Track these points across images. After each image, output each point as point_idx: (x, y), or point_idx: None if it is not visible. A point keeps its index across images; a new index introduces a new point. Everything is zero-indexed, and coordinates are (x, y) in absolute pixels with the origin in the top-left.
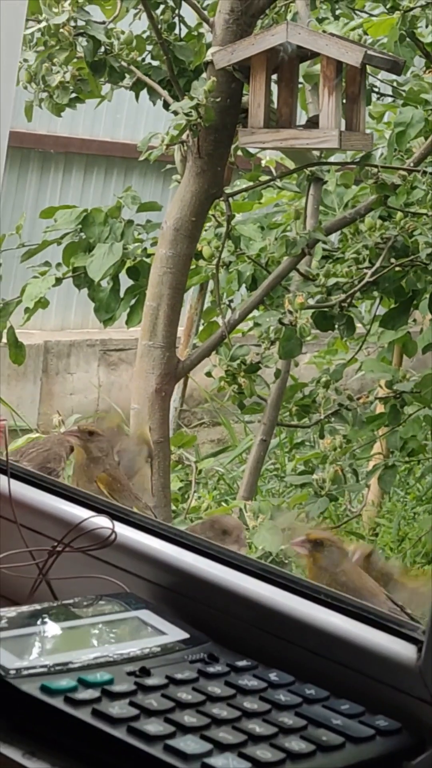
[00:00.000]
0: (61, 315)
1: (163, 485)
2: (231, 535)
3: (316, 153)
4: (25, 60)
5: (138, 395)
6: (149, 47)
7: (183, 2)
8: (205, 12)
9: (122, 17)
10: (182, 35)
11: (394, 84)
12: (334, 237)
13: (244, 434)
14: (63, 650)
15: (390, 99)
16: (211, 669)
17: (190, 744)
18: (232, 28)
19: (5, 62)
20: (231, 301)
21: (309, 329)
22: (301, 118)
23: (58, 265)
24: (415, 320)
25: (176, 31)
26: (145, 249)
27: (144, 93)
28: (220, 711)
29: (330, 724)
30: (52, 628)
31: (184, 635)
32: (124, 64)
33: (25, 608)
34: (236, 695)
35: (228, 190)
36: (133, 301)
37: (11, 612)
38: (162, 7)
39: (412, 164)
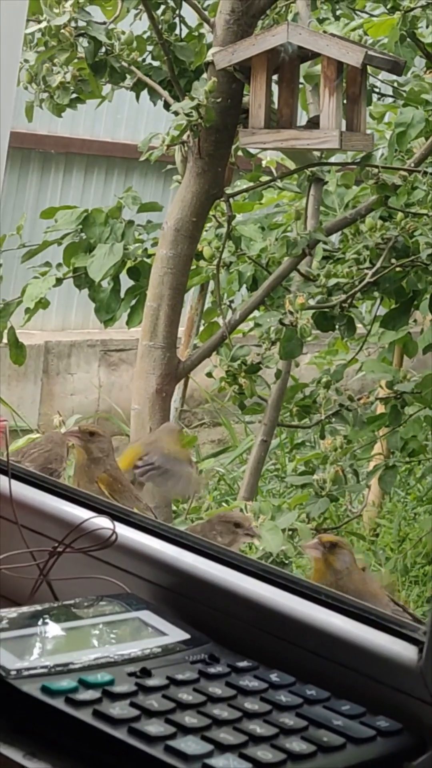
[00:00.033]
0: (61, 315)
1: None
2: (243, 527)
3: (317, 153)
4: (26, 60)
5: (138, 396)
6: (150, 48)
7: (184, 3)
8: (206, 12)
9: (123, 18)
10: (183, 36)
11: (395, 84)
12: (334, 237)
13: (244, 435)
14: (64, 651)
15: (390, 99)
16: (211, 670)
17: (190, 745)
18: (232, 28)
19: (6, 62)
20: (232, 301)
21: (310, 330)
22: (302, 118)
23: (59, 265)
24: (415, 321)
25: (177, 31)
26: (146, 249)
27: (145, 93)
28: (221, 712)
29: (331, 725)
30: (52, 629)
31: (185, 636)
32: (124, 64)
33: (25, 609)
34: (237, 696)
35: (229, 191)
36: (133, 302)
37: (12, 612)
38: (163, 7)
39: (412, 165)
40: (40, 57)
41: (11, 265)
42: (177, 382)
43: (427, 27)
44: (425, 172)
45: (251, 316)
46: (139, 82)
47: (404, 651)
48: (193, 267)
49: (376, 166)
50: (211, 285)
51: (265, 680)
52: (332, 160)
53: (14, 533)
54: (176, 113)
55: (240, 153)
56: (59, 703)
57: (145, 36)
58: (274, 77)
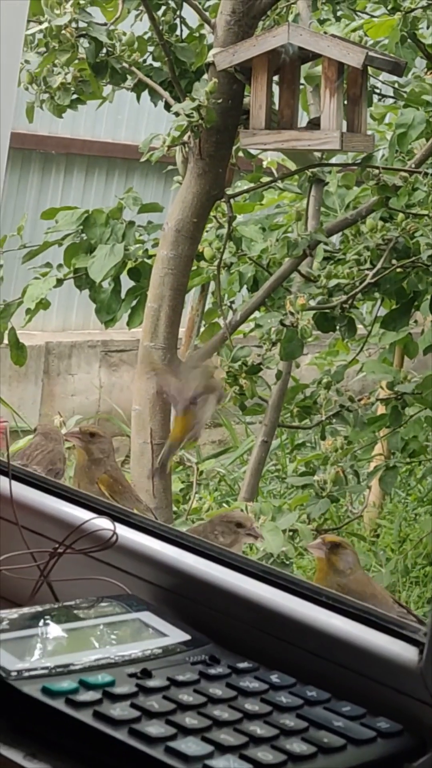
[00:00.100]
0: (62, 316)
1: (164, 486)
2: (245, 527)
3: (318, 154)
4: (27, 61)
5: (139, 396)
6: (150, 48)
7: (184, 3)
8: (207, 13)
9: (124, 18)
10: (184, 36)
11: (396, 85)
12: (335, 238)
13: (245, 435)
14: (64, 652)
15: (391, 100)
16: (212, 671)
17: (191, 746)
18: (233, 29)
19: (6, 63)
20: (232, 302)
21: (310, 330)
22: (303, 119)
23: (60, 266)
24: (416, 321)
25: (178, 32)
26: (147, 250)
27: (145, 94)
28: (222, 713)
29: (331, 726)
30: (53, 630)
31: (186, 637)
32: (125, 65)
33: (26, 610)
34: (237, 697)
35: (229, 192)
36: (134, 303)
37: (12, 614)
38: (163, 8)
39: (413, 166)
40: (44, 61)
41: (12, 265)
42: None
43: (427, 28)
44: (426, 173)
45: (252, 316)
46: (139, 83)
47: (405, 652)
48: (193, 268)
49: (377, 167)
50: (212, 286)
51: (265, 681)
52: (333, 161)
53: (15, 534)
54: (177, 114)
55: (241, 154)
56: (60, 704)
57: (145, 37)
58: (275, 78)
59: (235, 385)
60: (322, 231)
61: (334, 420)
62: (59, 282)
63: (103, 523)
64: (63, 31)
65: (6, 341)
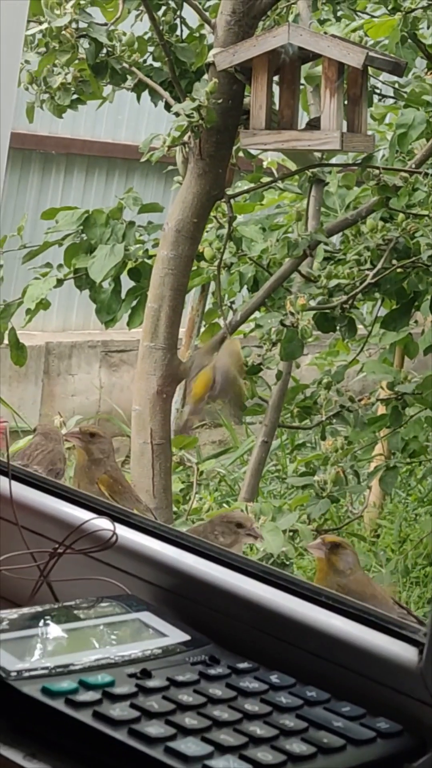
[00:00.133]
0: (62, 316)
1: (164, 487)
2: (245, 527)
3: (318, 154)
4: (27, 61)
5: (139, 397)
6: (151, 49)
7: (184, 3)
8: (207, 13)
9: (124, 19)
10: (184, 37)
11: (396, 86)
12: (335, 238)
13: (245, 436)
14: (64, 652)
15: (391, 101)
16: (212, 671)
17: (191, 746)
18: (233, 29)
19: (6, 63)
20: (232, 302)
21: (310, 331)
22: (303, 119)
23: (60, 266)
24: (416, 321)
25: (178, 32)
26: (147, 250)
27: (145, 94)
28: (221, 713)
29: (331, 726)
30: (53, 630)
31: (185, 637)
32: (125, 65)
33: (26, 610)
34: (237, 697)
35: (229, 192)
36: (134, 303)
37: (12, 614)
38: (164, 8)
39: (413, 166)
40: (44, 61)
41: (12, 266)
42: (178, 383)
43: (428, 28)
44: (426, 174)
45: (252, 317)
46: (140, 83)
47: (404, 652)
48: (194, 268)
49: (377, 168)
50: (212, 286)
51: (265, 681)
52: (333, 161)
53: (14, 534)
54: (177, 114)
55: (241, 154)
56: (59, 705)
57: (145, 37)
58: (275, 78)
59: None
60: (323, 231)
61: (334, 420)
62: (59, 282)
63: (103, 524)
64: (63, 32)
65: (6, 341)
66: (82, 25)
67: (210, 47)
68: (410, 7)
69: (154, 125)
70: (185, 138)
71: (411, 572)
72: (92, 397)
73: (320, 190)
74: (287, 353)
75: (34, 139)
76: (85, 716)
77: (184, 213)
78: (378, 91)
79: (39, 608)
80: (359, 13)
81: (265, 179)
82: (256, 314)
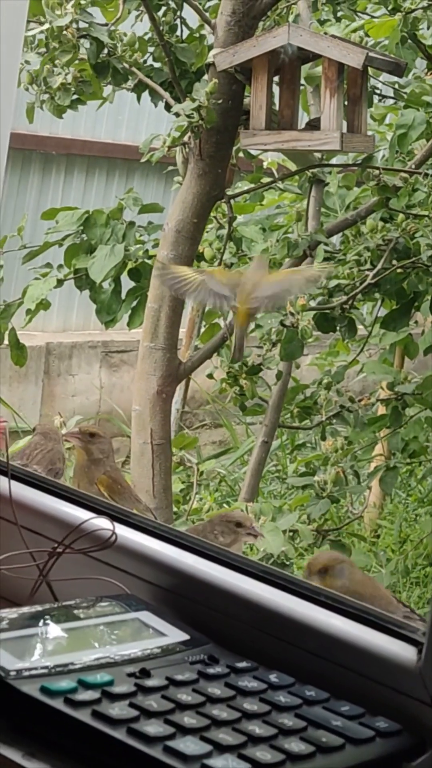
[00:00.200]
0: (62, 316)
1: (164, 487)
2: (245, 526)
3: (318, 155)
4: (27, 62)
5: (139, 397)
6: (151, 49)
7: (185, 4)
8: (207, 14)
9: (124, 19)
10: (184, 37)
11: (396, 86)
12: (335, 239)
13: (245, 436)
14: (63, 651)
15: (392, 101)
16: (211, 670)
17: (189, 745)
18: (233, 29)
19: (6, 63)
20: None
21: (310, 331)
22: (303, 119)
23: (60, 266)
24: (416, 322)
25: (178, 32)
26: (147, 251)
27: (146, 95)
28: (220, 712)
29: (330, 726)
30: (52, 630)
31: (185, 636)
32: (126, 66)
33: (25, 609)
34: (236, 696)
35: (229, 192)
36: (134, 303)
37: (12, 613)
38: (164, 9)
39: (413, 166)
40: (44, 60)
41: (12, 266)
42: (178, 384)
43: (428, 28)
44: (426, 174)
45: None
46: (140, 84)
47: (403, 652)
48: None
49: (377, 168)
50: None
51: (264, 681)
52: (333, 161)
53: (14, 534)
54: (177, 114)
55: (241, 154)
56: (58, 704)
57: (146, 37)
58: (275, 78)
59: (236, 385)
60: (323, 231)
61: (334, 420)
62: (59, 282)
63: (102, 523)
64: (64, 32)
65: (6, 342)
66: (82, 25)
67: (210, 48)
68: (410, 8)
69: (154, 126)
70: (185, 138)
71: (411, 572)
72: (92, 398)
73: (320, 191)
74: (287, 353)
75: (34, 140)
76: (84, 715)
77: (184, 213)
78: (378, 91)
79: (38, 608)
80: (359, 14)
81: (265, 179)
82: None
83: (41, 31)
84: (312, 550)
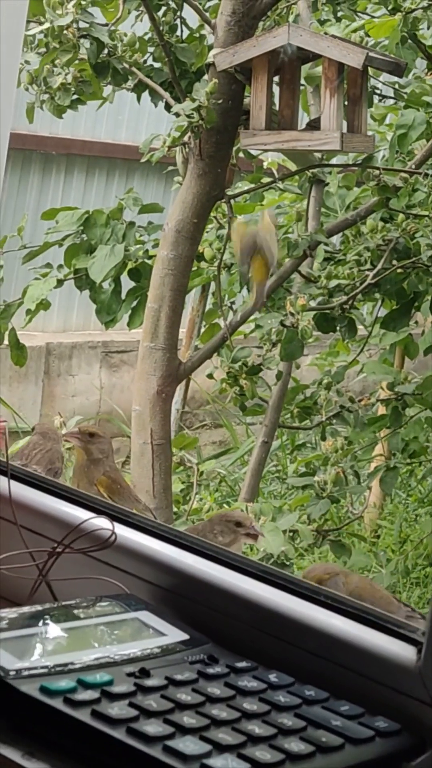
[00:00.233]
0: (62, 317)
1: (164, 487)
2: (244, 526)
3: (318, 155)
4: (27, 62)
5: (139, 397)
6: (151, 49)
7: (185, 4)
8: (207, 14)
9: (124, 19)
10: (184, 37)
11: (396, 86)
12: (335, 239)
13: (245, 436)
14: (63, 651)
15: (392, 101)
16: (210, 670)
17: (189, 745)
18: (233, 29)
19: (6, 63)
20: (232, 302)
21: (310, 331)
22: (303, 120)
23: (60, 266)
24: (416, 322)
25: (178, 32)
26: (147, 251)
27: (146, 95)
28: (220, 712)
29: (329, 725)
30: (52, 629)
31: (184, 636)
32: (126, 66)
33: (25, 609)
34: (236, 696)
35: (230, 192)
36: (134, 303)
37: (12, 613)
38: (164, 9)
39: (413, 166)
40: (44, 60)
41: (12, 266)
42: (178, 384)
43: (428, 28)
44: (426, 174)
45: (252, 317)
46: (140, 84)
47: (403, 652)
48: (194, 268)
49: (377, 168)
50: (212, 286)
51: (263, 681)
52: (333, 161)
53: (14, 534)
54: (177, 115)
55: (241, 154)
56: (58, 704)
57: (146, 37)
58: (275, 79)
59: (236, 385)
60: (323, 232)
61: (334, 421)
62: (59, 283)
63: (102, 523)
64: (65, 32)
65: (6, 342)
66: (83, 25)
67: (210, 48)
68: (410, 8)
69: (154, 126)
70: (185, 138)
71: (411, 573)
72: (92, 398)
73: (320, 191)
74: (287, 354)
75: (34, 140)
76: (83, 715)
77: (184, 213)
78: (378, 91)
79: (38, 607)
80: (359, 14)
81: (266, 180)
82: (256, 315)
83: (41, 31)
84: (312, 550)
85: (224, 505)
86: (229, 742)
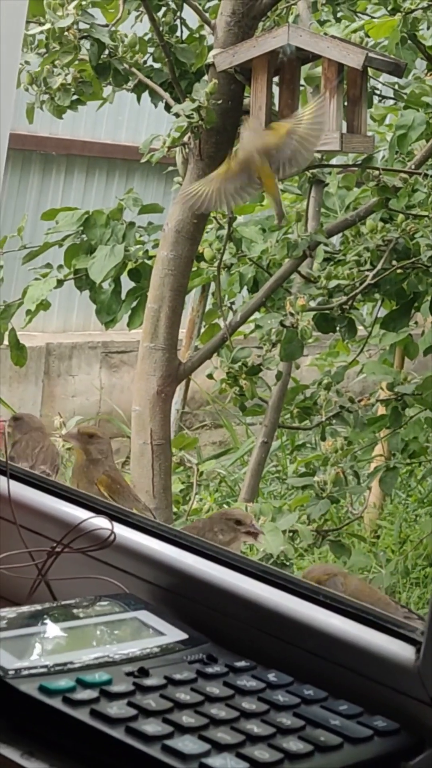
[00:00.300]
0: (62, 317)
1: (164, 487)
2: (245, 524)
3: (318, 155)
4: (27, 62)
5: (139, 397)
6: (151, 49)
7: (185, 4)
8: (207, 14)
9: (124, 20)
10: (184, 37)
11: (396, 86)
12: (335, 239)
13: (245, 436)
14: (62, 651)
15: (391, 101)
16: (209, 669)
17: (188, 744)
18: (233, 30)
19: (5, 63)
20: (232, 303)
21: (310, 331)
22: None
23: (60, 267)
24: (416, 322)
25: (178, 33)
26: (147, 251)
27: (146, 95)
28: (219, 711)
29: (328, 725)
30: (51, 629)
31: (183, 636)
32: (127, 66)
33: (24, 609)
34: (234, 696)
35: None
36: (134, 303)
37: (11, 612)
38: (164, 9)
39: (413, 167)
40: (45, 61)
41: (12, 266)
42: (178, 384)
43: (428, 29)
44: (426, 175)
45: (252, 317)
46: (140, 84)
47: (402, 651)
48: (193, 268)
49: (377, 168)
50: (212, 287)
51: (262, 680)
52: (333, 162)
53: (13, 533)
54: (177, 115)
55: None
56: (57, 703)
57: (145, 38)
58: (275, 79)
59: (236, 385)
60: (322, 232)
61: (334, 421)
62: (59, 283)
63: (101, 522)
64: (66, 33)
65: (6, 342)
66: (83, 26)
67: (210, 48)
68: (410, 8)
69: (154, 126)
70: (185, 139)
71: (411, 573)
72: (92, 398)
73: (320, 191)
74: (287, 354)
75: (34, 140)
76: (82, 714)
77: (184, 214)
78: (378, 92)
79: (37, 607)
80: (359, 14)
81: None
82: (256, 315)
83: (41, 32)
84: (312, 551)
85: (224, 505)
86: (228, 741)
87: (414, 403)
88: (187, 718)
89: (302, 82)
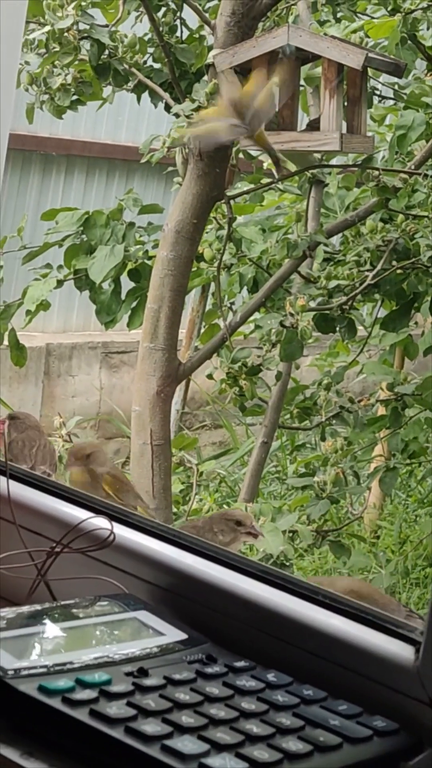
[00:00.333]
0: (62, 317)
1: (164, 487)
2: (245, 525)
3: (318, 156)
4: (27, 63)
5: (139, 397)
6: (151, 50)
7: (184, 5)
8: (207, 14)
9: (124, 20)
10: (184, 38)
11: (396, 87)
12: (335, 239)
13: (245, 436)
14: (62, 651)
15: (391, 102)
16: (209, 670)
17: (187, 744)
18: (233, 30)
19: (5, 63)
20: (232, 303)
21: (310, 332)
22: (303, 120)
23: (60, 267)
24: (416, 323)
25: (178, 33)
26: (147, 251)
27: (146, 95)
28: (218, 711)
29: (327, 725)
30: (51, 629)
31: (183, 636)
32: (127, 67)
33: (24, 609)
34: (234, 696)
35: (229, 193)
36: (134, 304)
37: (10, 613)
38: (163, 9)
39: (413, 167)
40: (45, 61)
41: (12, 266)
42: (178, 384)
43: (427, 29)
44: (426, 175)
45: (252, 318)
46: (140, 84)
47: (401, 651)
48: (193, 269)
49: (377, 169)
50: (212, 287)
51: (262, 680)
52: (333, 162)
53: (12, 533)
54: (177, 115)
55: (241, 155)
56: (56, 703)
57: (145, 38)
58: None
59: (235, 386)
60: (322, 232)
61: (334, 421)
62: (59, 283)
63: (101, 523)
64: (66, 34)
65: (6, 342)
66: (83, 26)
67: (210, 48)
68: (410, 8)
69: (154, 126)
70: (185, 139)
71: (411, 573)
72: (92, 398)
73: (320, 191)
74: (287, 354)
75: (34, 141)
76: (81, 714)
77: (183, 214)
78: (378, 92)
79: (37, 607)
80: (359, 15)
81: (265, 180)
82: (256, 315)
83: (42, 33)
84: (312, 551)
85: (224, 505)
86: (228, 741)
87: (414, 403)
88: (186, 718)
89: (302, 82)
